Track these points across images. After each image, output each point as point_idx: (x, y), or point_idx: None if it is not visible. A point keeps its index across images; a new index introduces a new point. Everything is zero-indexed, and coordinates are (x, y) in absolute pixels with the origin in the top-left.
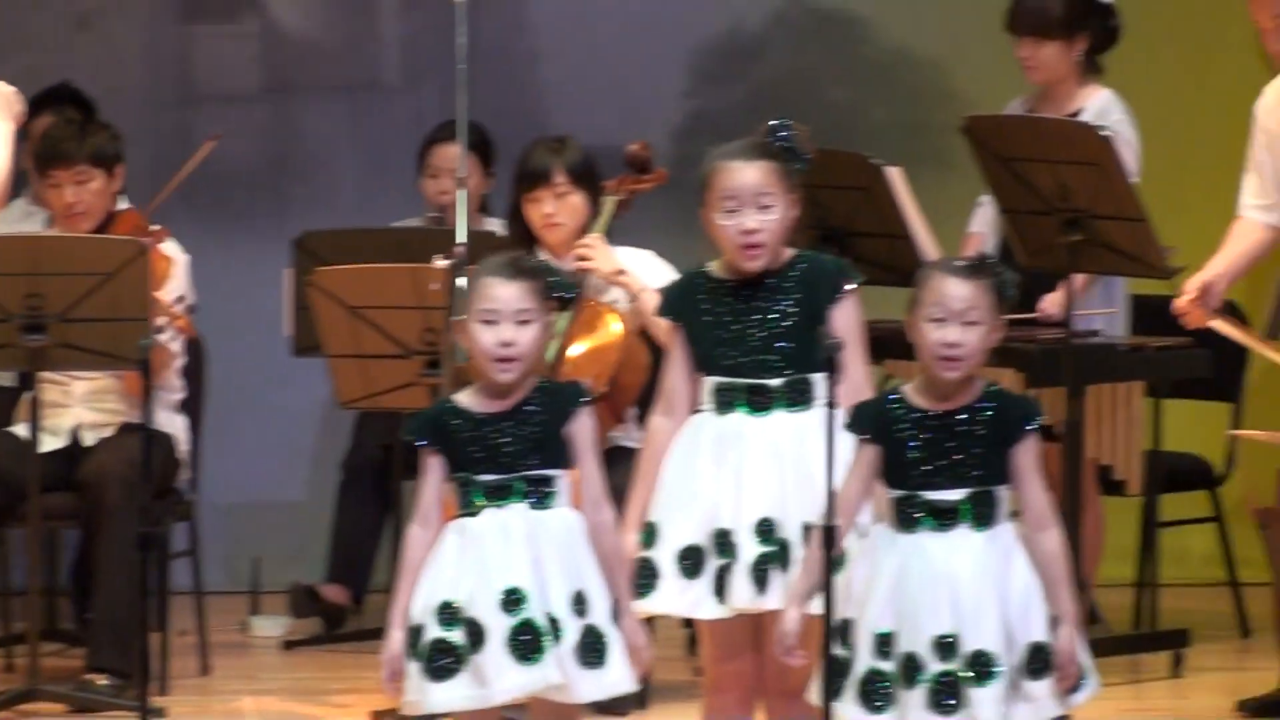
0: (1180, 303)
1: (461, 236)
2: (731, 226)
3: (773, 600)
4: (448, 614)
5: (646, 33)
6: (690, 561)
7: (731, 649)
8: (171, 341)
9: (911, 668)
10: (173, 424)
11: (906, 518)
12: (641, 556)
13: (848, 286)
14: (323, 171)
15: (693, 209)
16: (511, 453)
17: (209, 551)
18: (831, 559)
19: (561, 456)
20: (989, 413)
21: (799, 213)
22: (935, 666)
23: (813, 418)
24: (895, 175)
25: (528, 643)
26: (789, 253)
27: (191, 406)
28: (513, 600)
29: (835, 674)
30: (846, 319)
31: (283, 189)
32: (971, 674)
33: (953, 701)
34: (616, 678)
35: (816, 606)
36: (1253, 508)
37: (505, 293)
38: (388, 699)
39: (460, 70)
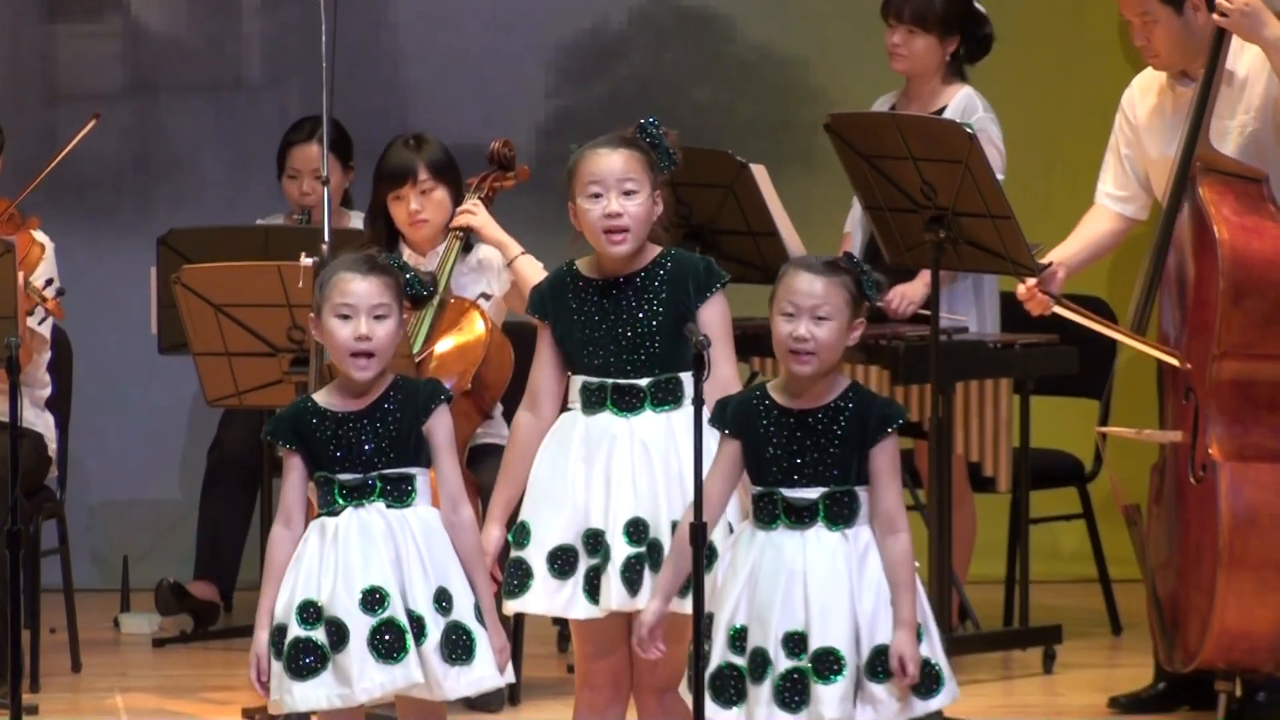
0: (1022, 290)
1: (326, 234)
2: (595, 210)
3: (644, 600)
4: (310, 613)
5: (509, 31)
6: (561, 562)
7: (603, 646)
8: (42, 324)
9: (760, 663)
10: (41, 421)
11: (765, 514)
12: (514, 557)
13: (716, 285)
14: (187, 170)
15: (556, 207)
16: (370, 451)
17: (78, 549)
18: (703, 556)
19: (420, 454)
20: (849, 412)
21: (663, 211)
22: (783, 663)
23: (681, 417)
24: (760, 173)
25: (390, 642)
26: (654, 250)
27: (59, 404)
28: (374, 599)
29: (703, 669)
30: (715, 317)
31: (147, 188)
32: (816, 671)
33: (798, 698)
34: (483, 674)
35: (682, 603)
36: (1122, 505)
37: (361, 287)
38: (259, 696)
39: (324, 69)
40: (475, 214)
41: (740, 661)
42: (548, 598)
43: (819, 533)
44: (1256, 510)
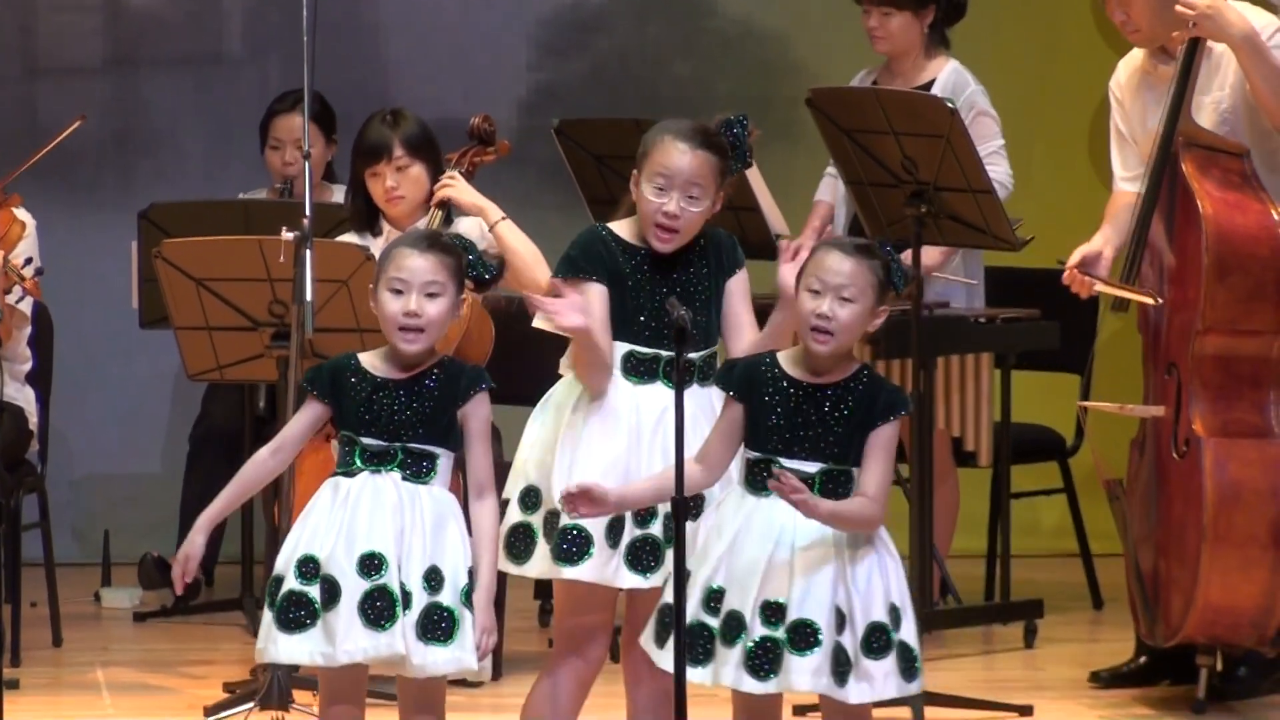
0: (1066, 275)
1: (308, 208)
2: (655, 204)
3: None
4: (308, 569)
5: (490, 6)
6: (615, 531)
7: (588, 607)
8: (20, 303)
9: (734, 627)
10: (22, 396)
11: (758, 481)
12: (571, 524)
13: (742, 259)
14: (168, 144)
15: (537, 181)
16: (399, 422)
17: (59, 523)
18: (684, 529)
19: (449, 437)
20: (857, 393)
21: (720, 208)
22: (759, 630)
23: (716, 393)
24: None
25: (380, 609)
26: None
27: (40, 379)
28: (372, 564)
29: (701, 639)
30: (744, 288)
31: (128, 162)
32: (791, 642)
33: (768, 667)
34: (455, 656)
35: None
36: (1103, 479)
37: (417, 263)
38: (241, 671)
39: (305, 43)
40: (453, 185)
41: (713, 622)
42: (601, 566)
43: None
44: (1240, 486)
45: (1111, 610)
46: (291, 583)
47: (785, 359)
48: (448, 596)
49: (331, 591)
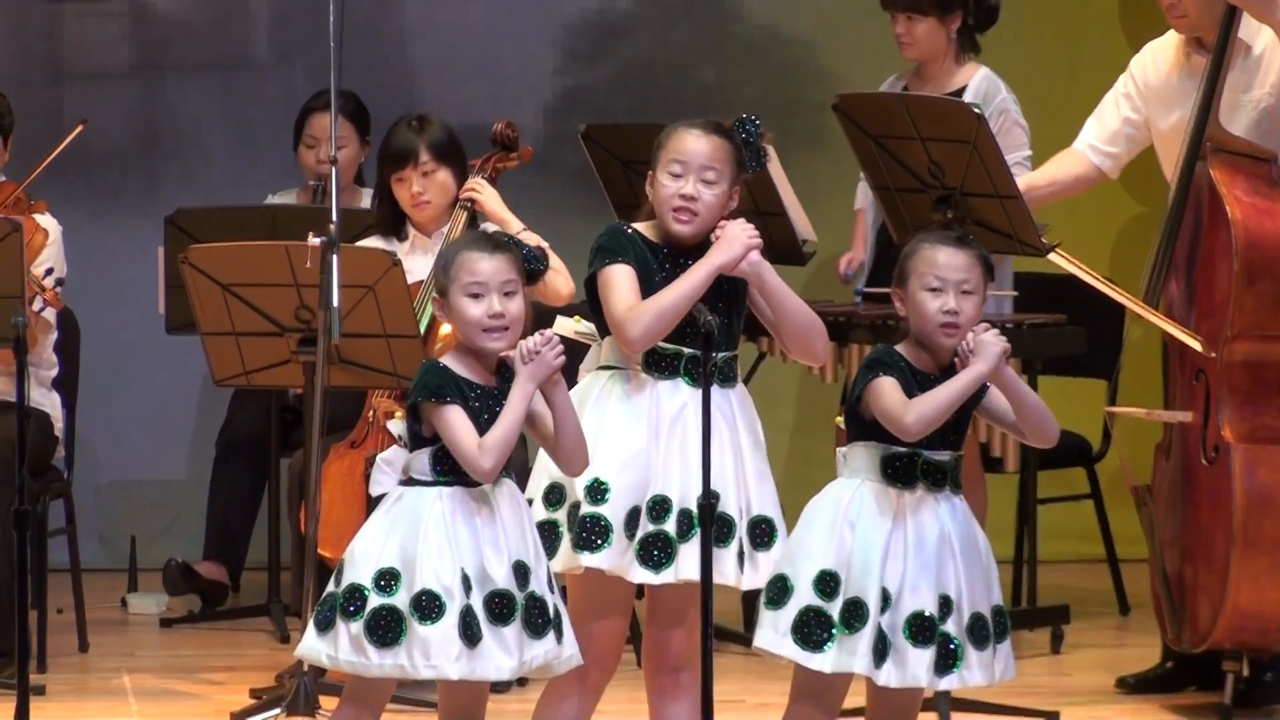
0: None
1: (334, 213)
2: (671, 187)
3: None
4: (466, 583)
5: (516, 11)
6: (632, 524)
7: (602, 610)
8: (44, 311)
9: (925, 628)
10: (48, 401)
11: (904, 475)
12: (592, 512)
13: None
14: (194, 149)
15: (562, 186)
16: None
17: (86, 529)
18: (710, 535)
19: None
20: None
21: (736, 206)
22: (941, 628)
23: (738, 394)
24: (768, 154)
25: (536, 616)
26: None
27: (66, 384)
28: (522, 573)
29: (818, 626)
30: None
31: (155, 167)
32: (975, 637)
33: (951, 662)
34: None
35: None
36: (1131, 485)
37: (490, 266)
38: (266, 678)
39: (332, 48)
40: (480, 192)
41: (885, 622)
42: (618, 556)
43: (949, 496)
44: (1270, 492)
45: (1138, 616)
46: (459, 599)
47: (909, 355)
48: (540, 587)
49: (506, 604)
